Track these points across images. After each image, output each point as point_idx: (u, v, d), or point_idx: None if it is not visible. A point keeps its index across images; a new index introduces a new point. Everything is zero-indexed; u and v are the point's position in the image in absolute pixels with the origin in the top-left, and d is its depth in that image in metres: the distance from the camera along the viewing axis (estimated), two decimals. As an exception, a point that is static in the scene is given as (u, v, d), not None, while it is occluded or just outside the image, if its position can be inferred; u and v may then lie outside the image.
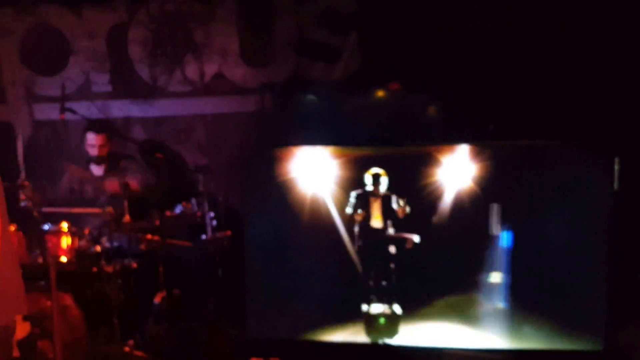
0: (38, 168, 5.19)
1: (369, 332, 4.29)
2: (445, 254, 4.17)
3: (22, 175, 5.03)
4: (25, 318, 3.81)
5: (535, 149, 4.01)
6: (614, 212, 3.76)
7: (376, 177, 4.31)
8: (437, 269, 4.15)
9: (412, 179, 4.23)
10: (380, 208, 4.32)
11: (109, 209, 4.65)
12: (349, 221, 4.33)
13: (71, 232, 4.55)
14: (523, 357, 4.10)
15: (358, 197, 4.32)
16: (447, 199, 4.16)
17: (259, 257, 4.39)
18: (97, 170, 5.19)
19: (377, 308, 4.28)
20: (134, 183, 4.94)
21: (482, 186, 4.11)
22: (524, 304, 4.03)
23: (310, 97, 5.51)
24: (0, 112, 5.86)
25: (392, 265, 4.28)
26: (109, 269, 4.53)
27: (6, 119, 5.86)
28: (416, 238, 4.23)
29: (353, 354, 4.26)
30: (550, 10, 4.79)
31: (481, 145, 4.14)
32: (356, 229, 4.34)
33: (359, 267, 4.32)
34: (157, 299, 4.64)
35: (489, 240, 4.11)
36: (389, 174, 4.27)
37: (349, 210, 4.32)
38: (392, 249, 4.29)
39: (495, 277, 4.08)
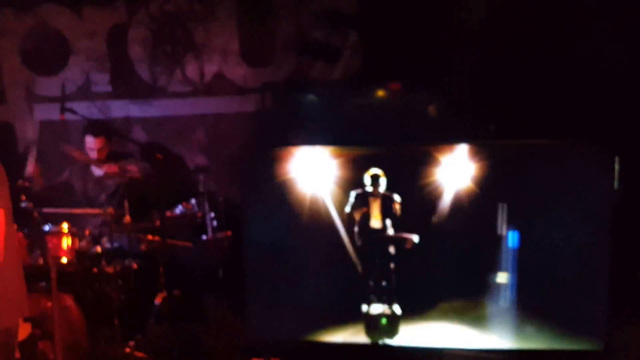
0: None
1: (369, 332, 4.29)
2: (446, 254, 4.17)
3: (28, 172, 5.06)
4: (25, 319, 3.81)
5: (536, 148, 4.00)
6: (614, 212, 3.76)
7: (375, 178, 4.31)
8: (437, 269, 4.15)
9: (412, 179, 4.23)
10: (379, 208, 4.32)
11: (110, 210, 4.66)
12: (348, 221, 4.33)
13: (72, 233, 4.54)
14: (524, 357, 4.10)
15: (357, 197, 4.32)
16: (447, 199, 4.16)
17: (258, 258, 4.38)
18: (97, 171, 5.18)
19: (377, 308, 4.28)
20: (133, 168, 4.97)
21: (481, 186, 4.10)
22: (525, 303, 4.03)
23: (311, 97, 5.51)
24: (1, 113, 5.86)
25: (391, 266, 4.28)
26: (110, 269, 4.53)
27: (6, 119, 5.86)
28: (415, 238, 4.23)
29: (353, 355, 4.26)
30: (549, 9, 4.79)
31: (481, 145, 4.14)
32: (356, 229, 4.34)
33: (359, 267, 4.32)
34: (157, 300, 4.64)
35: (490, 240, 4.11)
36: (388, 173, 4.27)
37: (347, 209, 4.32)
38: (392, 249, 4.29)
39: (498, 278, 4.08)
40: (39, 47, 5.73)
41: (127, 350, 4.45)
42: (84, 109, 5.38)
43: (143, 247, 4.79)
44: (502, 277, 4.07)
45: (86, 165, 5.17)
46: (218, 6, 5.60)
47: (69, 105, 5.17)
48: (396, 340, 4.22)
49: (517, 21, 4.80)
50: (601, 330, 3.93)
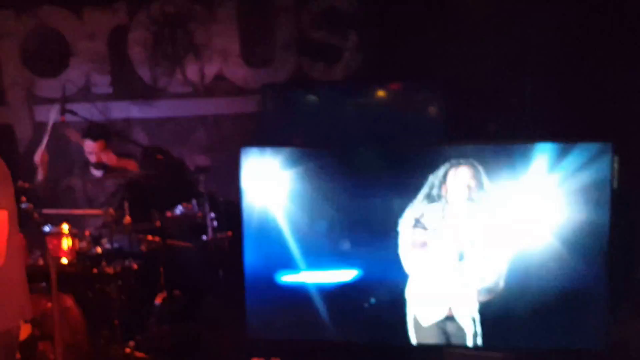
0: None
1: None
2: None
3: (40, 176, 5.07)
4: (25, 320, 3.81)
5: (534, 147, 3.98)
6: (613, 211, 3.74)
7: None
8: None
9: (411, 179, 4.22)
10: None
11: (110, 210, 4.66)
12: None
13: (72, 234, 4.55)
14: (523, 356, 4.09)
15: None
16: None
17: (258, 258, 4.37)
18: (97, 173, 5.19)
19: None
20: (132, 163, 5.01)
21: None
22: (524, 302, 4.01)
23: (311, 97, 5.52)
24: (1, 114, 5.87)
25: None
26: (110, 270, 4.53)
27: (6, 120, 5.88)
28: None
29: (353, 354, 4.25)
30: (549, 9, 4.79)
31: (481, 144, 4.12)
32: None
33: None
34: (158, 300, 4.64)
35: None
36: (388, 173, 4.26)
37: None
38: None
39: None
40: (39, 48, 5.76)
41: (128, 350, 4.44)
42: (85, 111, 5.39)
43: (143, 247, 4.79)
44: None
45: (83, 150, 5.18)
46: (218, 7, 5.62)
47: (69, 106, 5.18)
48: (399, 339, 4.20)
49: (517, 21, 4.81)
50: (601, 329, 3.92)
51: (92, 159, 5.11)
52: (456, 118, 5.07)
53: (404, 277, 4.01)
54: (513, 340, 4.02)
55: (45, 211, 4.62)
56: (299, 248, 4.20)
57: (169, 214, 4.86)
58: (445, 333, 4.01)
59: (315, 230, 4.14)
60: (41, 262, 4.41)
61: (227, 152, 5.48)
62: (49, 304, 4.00)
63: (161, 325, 4.61)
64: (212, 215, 4.96)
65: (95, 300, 4.54)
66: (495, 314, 3.94)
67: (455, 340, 4.03)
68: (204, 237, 4.96)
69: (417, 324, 4.04)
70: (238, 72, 5.67)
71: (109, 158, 5.03)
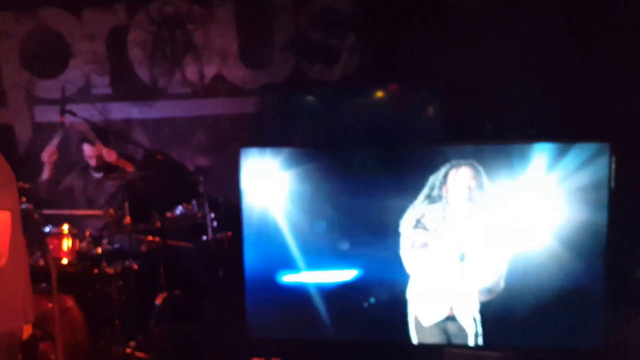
0: (39, 170, 5.20)
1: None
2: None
3: (45, 175, 5.08)
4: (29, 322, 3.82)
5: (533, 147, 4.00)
6: (611, 210, 3.76)
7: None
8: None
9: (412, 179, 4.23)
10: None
11: (110, 211, 4.67)
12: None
13: (72, 234, 4.56)
14: (524, 355, 4.11)
15: None
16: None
17: (258, 258, 4.38)
18: (97, 175, 5.20)
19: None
20: (129, 165, 5.05)
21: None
22: (524, 302, 4.03)
23: (310, 97, 5.53)
24: (1, 115, 5.88)
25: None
26: (110, 270, 4.54)
27: (6, 121, 5.88)
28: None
29: (354, 354, 4.26)
30: (548, 9, 4.81)
31: (481, 144, 4.14)
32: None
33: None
34: (158, 300, 4.65)
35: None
36: (389, 174, 4.27)
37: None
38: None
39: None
40: (39, 49, 5.76)
41: (128, 350, 4.45)
42: (84, 111, 5.40)
43: (143, 248, 4.80)
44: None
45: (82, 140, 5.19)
46: (217, 8, 5.62)
47: (69, 107, 5.19)
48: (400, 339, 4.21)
49: (516, 21, 4.83)
50: (600, 328, 3.93)
51: (92, 162, 5.12)
52: (454, 118, 5.09)
53: (405, 277, 4.03)
54: (513, 340, 4.04)
55: (46, 212, 4.63)
56: (300, 248, 4.21)
57: (169, 214, 4.88)
58: (446, 333, 4.02)
59: (315, 231, 4.16)
60: (42, 262, 4.42)
61: (227, 153, 5.51)
62: (50, 305, 4.00)
63: (162, 326, 4.62)
64: (212, 215, 4.97)
65: (96, 300, 4.55)
66: (496, 314, 3.96)
67: (456, 340, 4.05)
68: (204, 238, 4.98)
69: (418, 323, 4.06)
70: (237, 72, 5.68)
71: (110, 155, 5.04)
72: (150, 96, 5.74)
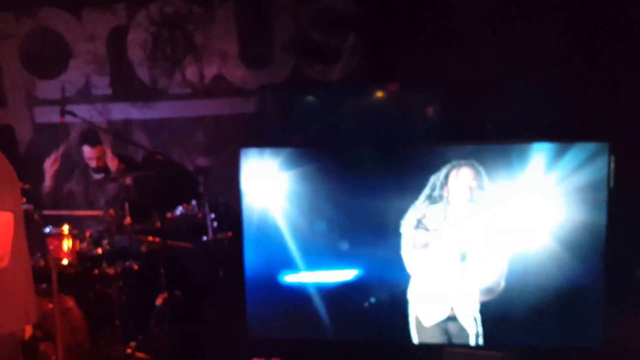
0: (39, 171, 5.20)
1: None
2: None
3: (47, 182, 5.09)
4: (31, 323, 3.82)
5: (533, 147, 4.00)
6: (610, 210, 3.77)
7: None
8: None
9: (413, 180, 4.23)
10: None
11: (110, 211, 4.67)
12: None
13: (72, 235, 4.55)
14: (524, 354, 4.11)
15: None
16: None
17: (258, 259, 4.39)
18: (97, 176, 5.20)
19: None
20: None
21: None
22: (524, 302, 4.03)
23: (310, 97, 5.53)
24: (1, 115, 5.88)
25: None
26: (111, 271, 4.54)
27: (7, 122, 5.88)
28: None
29: (355, 354, 4.27)
30: (547, 9, 4.81)
31: (481, 144, 4.14)
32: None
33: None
34: (158, 300, 4.66)
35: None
36: (389, 174, 4.27)
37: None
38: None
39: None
40: (39, 50, 5.76)
41: (129, 351, 4.46)
42: (85, 112, 5.40)
43: (144, 248, 4.80)
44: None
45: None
46: (217, 9, 5.62)
47: (69, 108, 5.19)
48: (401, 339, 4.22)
49: (516, 21, 4.83)
50: (599, 327, 3.94)
51: (92, 164, 5.12)
52: (454, 119, 5.09)
53: (406, 277, 4.03)
54: (513, 340, 4.04)
55: (46, 212, 4.63)
56: (300, 248, 4.21)
57: (169, 214, 4.88)
58: (447, 333, 4.03)
59: (315, 231, 4.16)
60: (42, 263, 4.42)
61: (227, 153, 5.51)
62: (50, 305, 4.00)
63: (162, 326, 4.62)
64: (212, 215, 4.97)
65: (96, 301, 4.55)
66: (496, 314, 3.97)
67: (456, 340, 4.06)
68: (204, 238, 4.98)
69: (419, 323, 4.06)
70: (237, 72, 5.68)
71: (113, 165, 5.04)
72: (150, 96, 5.74)
